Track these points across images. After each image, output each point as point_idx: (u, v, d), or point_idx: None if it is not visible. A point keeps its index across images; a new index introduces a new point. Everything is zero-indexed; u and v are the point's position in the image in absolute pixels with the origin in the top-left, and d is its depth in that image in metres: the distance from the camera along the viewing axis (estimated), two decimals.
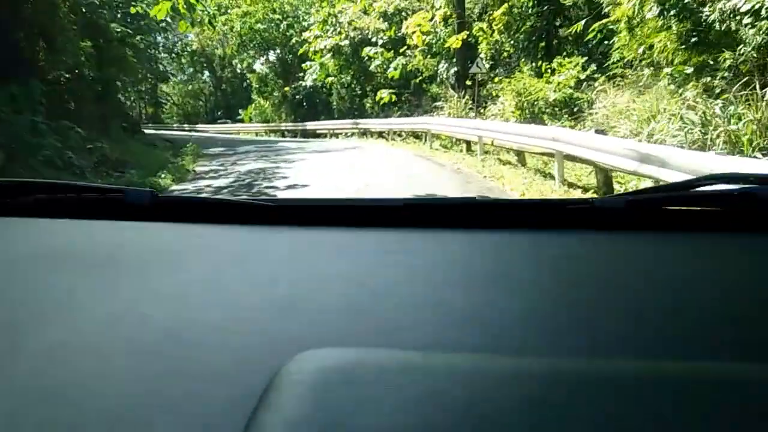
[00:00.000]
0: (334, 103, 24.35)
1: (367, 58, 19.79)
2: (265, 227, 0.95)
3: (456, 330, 0.58)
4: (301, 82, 24.98)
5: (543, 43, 14.14)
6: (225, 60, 35.55)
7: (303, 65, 24.03)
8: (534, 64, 13.30)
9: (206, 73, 38.49)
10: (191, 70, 38.02)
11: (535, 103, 11.41)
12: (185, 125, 35.40)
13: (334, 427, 0.40)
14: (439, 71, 16.99)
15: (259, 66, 30.76)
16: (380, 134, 18.77)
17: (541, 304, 0.65)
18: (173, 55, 40.06)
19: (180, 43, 39.10)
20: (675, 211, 0.91)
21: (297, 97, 26.89)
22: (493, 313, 0.62)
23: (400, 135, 17.39)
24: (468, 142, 11.93)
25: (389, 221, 0.95)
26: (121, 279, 0.74)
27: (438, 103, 16.29)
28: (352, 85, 22.91)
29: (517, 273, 0.76)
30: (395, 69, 18.56)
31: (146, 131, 24.85)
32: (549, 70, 12.07)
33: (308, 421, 0.40)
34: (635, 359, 0.52)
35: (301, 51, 23.56)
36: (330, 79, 23.13)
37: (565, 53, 12.69)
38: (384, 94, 19.00)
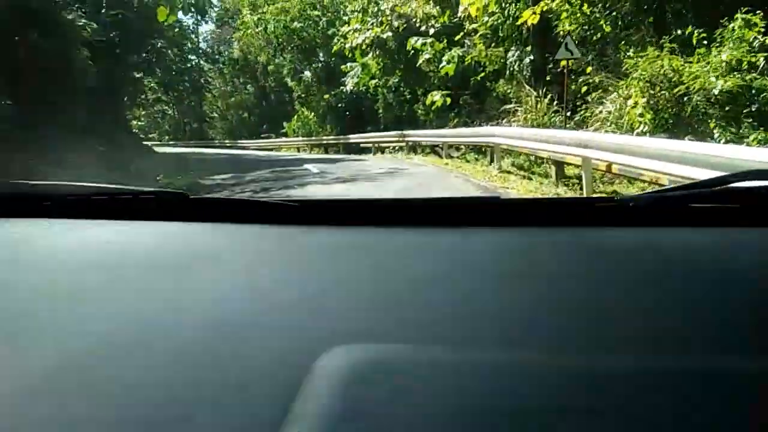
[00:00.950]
0: (380, 111, 20.29)
1: (413, 51, 15.46)
2: (292, 226, 0.95)
3: (483, 327, 0.58)
4: (342, 87, 21.03)
5: (651, 18, 9.44)
6: (268, 68, 32.22)
7: (342, 67, 20.09)
8: (649, 42, 8.55)
9: (249, 83, 35.40)
10: (234, 80, 35.02)
11: (686, 98, 6.74)
12: (226, 141, 32.38)
13: (368, 419, 0.42)
14: (508, 63, 12.45)
15: (305, 73, 27.09)
16: (433, 148, 14.54)
17: (569, 302, 0.64)
18: (218, 65, 37.34)
19: (225, 52, 36.34)
20: (704, 209, 0.89)
21: (339, 105, 22.97)
22: (521, 311, 0.62)
23: (458, 149, 13.12)
24: (559, 163, 7.56)
25: (415, 220, 0.95)
26: (157, 278, 0.76)
27: (509, 106, 11.83)
28: (400, 88, 18.75)
29: (544, 270, 0.74)
30: (449, 63, 14.23)
31: (158, 150, 21.94)
32: (704, 43, 7.15)
33: (343, 413, 0.42)
34: (668, 356, 0.52)
35: (335, 47, 19.54)
36: (373, 82, 19.05)
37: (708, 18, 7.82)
38: (436, 97, 14.65)
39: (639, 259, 0.79)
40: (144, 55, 22.11)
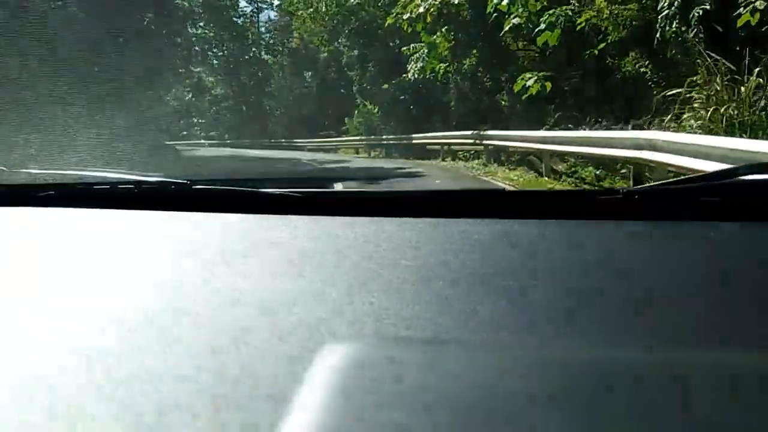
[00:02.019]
0: (452, 104, 15.75)
1: (495, 16, 10.66)
2: (297, 217, 0.94)
3: (486, 321, 0.58)
4: (404, 75, 16.62)
5: None
6: (322, 56, 28.27)
7: (404, 49, 15.67)
8: None
9: (309, 75, 31.66)
10: (293, 73, 31.40)
11: None
12: (282, 140, 28.83)
13: (369, 415, 0.41)
14: (659, 20, 7.38)
15: (363, 59, 22.87)
16: (525, 157, 9.91)
17: (573, 294, 0.64)
18: (278, 58, 33.87)
19: (286, 42, 32.81)
20: (711, 202, 0.86)
21: (403, 97, 18.56)
22: (525, 303, 0.61)
23: (563, 160, 8.48)
24: None
25: (416, 211, 0.93)
26: (159, 268, 0.76)
27: (673, 91, 6.61)
28: (478, 74, 14.09)
29: (549, 262, 0.74)
30: (548, 28, 9.40)
31: (194, 153, 18.61)
32: None
33: (343, 408, 0.42)
34: (672, 350, 0.51)
35: (388, 20, 15.05)
36: (442, 66, 14.51)
37: None
38: (529, 82, 9.88)
39: (644, 252, 0.78)
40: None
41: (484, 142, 11.26)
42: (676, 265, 0.72)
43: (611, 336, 0.54)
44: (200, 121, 37.92)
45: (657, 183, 1.00)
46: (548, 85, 9.79)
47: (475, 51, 13.78)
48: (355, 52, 22.66)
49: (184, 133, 39.03)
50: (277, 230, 0.91)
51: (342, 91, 30.25)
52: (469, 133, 12.51)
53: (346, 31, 21.66)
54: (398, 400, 0.42)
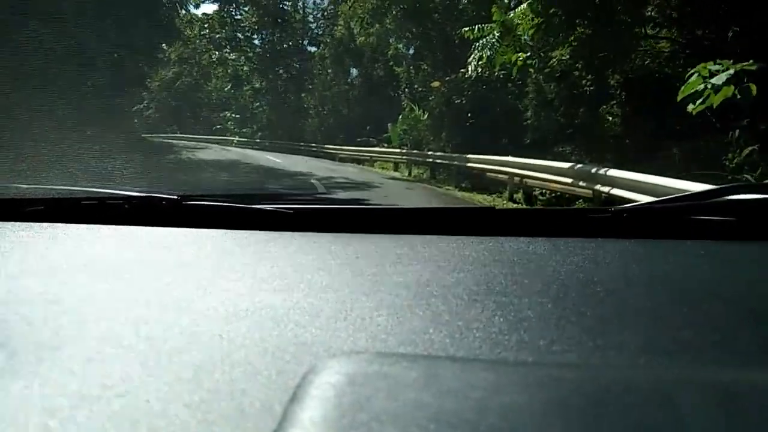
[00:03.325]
0: (529, 115, 10.85)
1: None
2: (288, 233, 0.94)
3: (478, 337, 0.58)
4: (462, 71, 11.80)
5: None
6: (375, 48, 23.65)
7: (465, 31, 10.81)
8: None
9: (353, 71, 27.10)
10: (335, 67, 26.92)
11: None
12: (312, 145, 24.35)
13: (363, 429, 0.41)
14: None
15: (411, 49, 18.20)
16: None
17: (562, 312, 0.64)
18: (321, 48, 29.43)
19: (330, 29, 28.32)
20: (698, 220, 0.89)
21: (459, 101, 13.65)
22: (516, 320, 0.61)
23: None
24: None
25: (409, 227, 0.94)
26: (149, 284, 0.75)
27: None
28: (577, 66, 9.18)
29: (539, 279, 0.74)
30: None
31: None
32: None
33: (338, 423, 0.42)
34: (661, 367, 0.52)
35: None
36: (519, 57, 9.65)
37: None
38: (716, 79, 4.85)
39: (633, 269, 0.78)
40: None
41: (599, 189, 6.22)
42: (665, 283, 0.73)
43: (603, 352, 0.54)
44: (234, 115, 34.06)
45: (645, 202, 1.03)
46: (753, 87, 4.76)
47: (578, 30, 8.82)
48: (403, 42, 17.94)
49: (218, 126, 35.59)
50: (270, 246, 0.92)
51: (390, 92, 25.55)
52: (561, 165, 7.56)
53: (393, 12, 16.86)
54: (392, 417, 0.42)
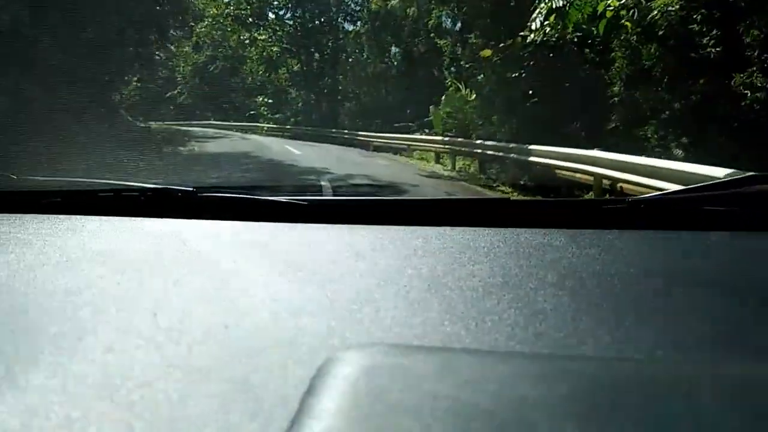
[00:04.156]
0: (617, 90, 7.85)
1: None
2: (302, 225, 0.94)
3: (494, 329, 0.57)
4: (523, 34, 8.78)
5: None
6: (416, 20, 20.71)
7: None
8: None
9: (393, 48, 24.14)
10: (371, 44, 24.02)
11: None
12: (345, 132, 21.66)
13: (379, 420, 0.41)
14: None
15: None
16: None
17: (578, 305, 0.63)
18: (357, 25, 26.60)
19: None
20: (714, 211, 0.88)
21: (514, 74, 10.59)
22: (531, 311, 0.61)
23: None
24: None
25: (425, 219, 0.94)
26: (164, 276, 0.75)
27: None
28: (694, 18, 6.10)
29: (554, 272, 0.73)
30: None
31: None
32: None
33: (354, 413, 0.42)
34: (679, 357, 0.51)
35: None
36: (607, 5, 6.62)
37: None
38: None
39: (649, 262, 0.77)
40: None
41: None
42: (682, 274, 0.72)
43: (619, 344, 0.54)
44: (267, 100, 31.74)
45: (662, 192, 1.03)
46: None
47: None
48: (447, 9, 14.95)
49: (252, 112, 33.45)
50: (284, 238, 0.92)
51: (433, 70, 22.53)
52: (687, 169, 4.60)
53: None
54: (408, 408, 0.42)
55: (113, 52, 14.02)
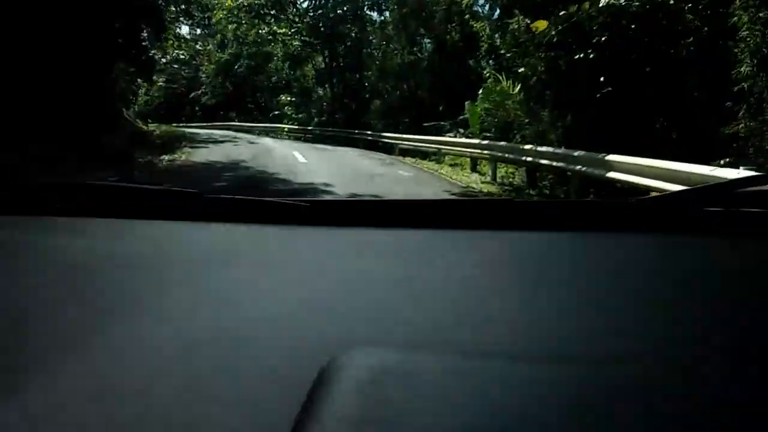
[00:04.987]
0: (746, 72, 5.00)
1: None
2: (306, 227, 0.94)
3: (496, 333, 0.57)
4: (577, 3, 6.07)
5: None
6: (449, 5, 18.03)
7: None
8: None
9: (426, 41, 21.40)
10: (398, 34, 21.34)
11: None
12: (367, 133, 19.07)
13: (381, 423, 0.41)
14: None
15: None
16: None
17: (577, 307, 0.63)
18: (384, 14, 24.01)
19: None
20: (715, 212, 0.86)
21: (576, 56, 7.74)
22: (533, 316, 0.61)
23: None
24: None
25: (429, 221, 0.93)
26: (170, 279, 0.75)
27: None
28: None
29: (558, 275, 0.73)
30: None
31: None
32: None
33: (357, 416, 0.41)
34: (688, 364, 0.51)
35: None
36: None
37: None
38: None
39: (654, 264, 0.77)
40: None
41: None
42: (684, 276, 0.72)
43: (625, 348, 0.53)
44: (291, 99, 29.43)
45: (663, 194, 1.01)
46: None
47: None
48: None
49: (276, 112, 31.27)
50: (288, 240, 0.91)
51: (468, 60, 19.74)
52: None
53: None
54: (410, 411, 0.42)
55: (98, 45, 11.89)
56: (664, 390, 0.44)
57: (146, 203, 1.02)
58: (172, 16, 26.38)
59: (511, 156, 9.20)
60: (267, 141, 18.97)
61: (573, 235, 0.86)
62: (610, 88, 7.20)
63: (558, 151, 7.42)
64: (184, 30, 32.79)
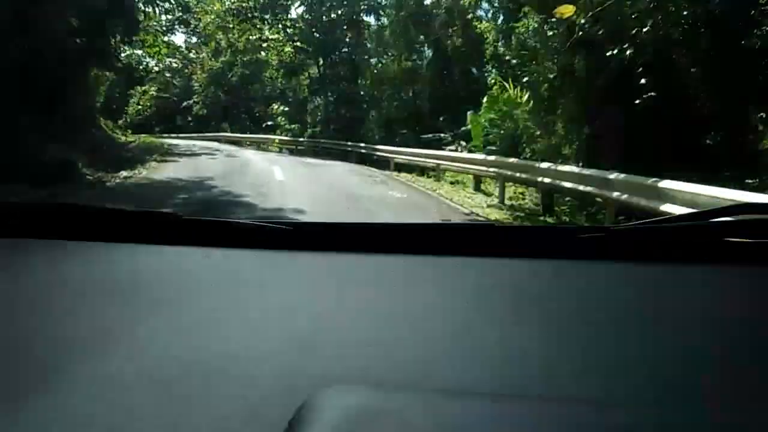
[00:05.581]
0: None
1: None
2: (287, 252, 0.92)
3: (476, 367, 0.57)
4: None
5: None
6: (450, 10, 16.60)
7: None
8: None
9: (427, 51, 19.88)
10: (395, 40, 19.81)
11: None
12: (361, 145, 17.47)
13: None
14: None
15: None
16: None
17: (563, 344, 0.62)
18: (380, 19, 22.60)
19: None
20: (694, 243, 0.86)
21: (612, 50, 6.15)
22: (515, 352, 0.60)
23: None
24: None
25: (412, 246, 0.92)
26: (143, 306, 0.73)
27: None
28: None
29: (538, 306, 0.73)
30: None
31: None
32: None
33: None
34: (670, 403, 0.50)
35: None
36: None
37: None
38: None
39: (621, 292, 0.77)
40: None
41: None
42: (660, 306, 0.72)
43: (606, 385, 0.53)
44: (284, 109, 27.91)
45: (640, 222, 0.97)
46: None
47: None
48: None
49: (269, 123, 29.77)
50: (269, 264, 0.89)
51: (471, 67, 18.20)
52: None
53: None
54: None
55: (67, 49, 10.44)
56: (651, 429, 0.44)
57: (127, 226, 0.97)
58: (168, 25, 25.10)
59: (523, 176, 7.60)
60: (248, 154, 17.40)
61: (551, 264, 0.85)
62: (653, 93, 5.62)
63: (587, 172, 5.82)
64: (180, 38, 31.44)
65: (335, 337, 0.63)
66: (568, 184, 6.15)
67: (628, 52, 5.75)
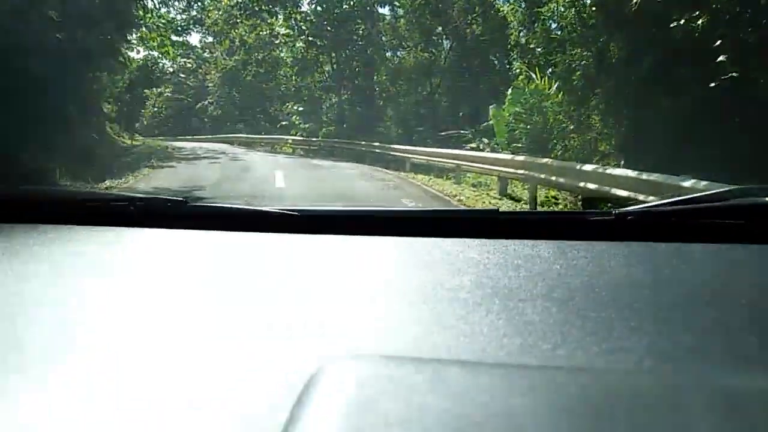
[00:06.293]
0: None
1: None
2: (292, 235, 0.93)
3: (482, 341, 0.57)
4: None
5: None
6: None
7: None
8: None
9: (445, 41, 18.55)
10: (410, 30, 18.51)
11: None
12: (375, 144, 16.22)
13: (368, 429, 0.41)
14: None
15: None
16: None
17: (566, 316, 0.63)
18: (394, 11, 21.29)
19: None
20: (698, 223, 0.87)
21: (675, 24, 4.83)
22: (520, 324, 0.61)
23: None
24: None
25: (416, 230, 0.92)
26: (153, 286, 0.74)
27: None
28: None
29: (543, 284, 0.73)
30: None
31: None
32: None
33: (343, 426, 0.42)
34: (670, 371, 0.52)
35: None
36: None
37: None
38: None
39: (637, 274, 0.77)
40: None
41: None
42: (669, 286, 0.72)
43: (608, 356, 0.54)
44: (299, 108, 26.85)
45: (648, 205, 0.97)
46: None
47: None
48: None
49: (284, 123, 28.77)
50: (275, 249, 0.90)
51: (492, 57, 16.84)
52: None
53: None
54: (398, 420, 0.42)
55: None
56: (649, 398, 0.44)
57: (131, 211, 0.99)
58: (183, 24, 24.23)
59: (560, 180, 6.31)
60: (255, 157, 16.28)
61: (557, 245, 0.85)
62: (734, 74, 4.30)
63: (654, 178, 4.50)
64: (195, 38, 30.64)
65: (343, 312, 0.64)
66: (623, 193, 4.86)
67: (700, 21, 4.43)
